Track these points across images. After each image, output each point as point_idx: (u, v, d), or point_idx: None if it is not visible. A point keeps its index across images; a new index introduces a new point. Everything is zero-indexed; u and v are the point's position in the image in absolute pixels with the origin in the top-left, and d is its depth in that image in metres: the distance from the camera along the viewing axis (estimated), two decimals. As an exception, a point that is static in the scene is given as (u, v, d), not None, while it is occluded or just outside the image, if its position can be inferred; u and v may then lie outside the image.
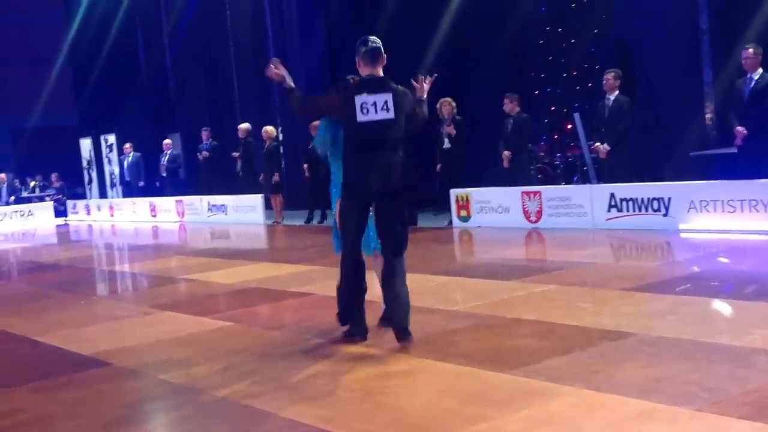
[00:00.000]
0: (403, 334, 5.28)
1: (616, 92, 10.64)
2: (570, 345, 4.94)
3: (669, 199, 9.67)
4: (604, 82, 10.75)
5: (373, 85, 5.24)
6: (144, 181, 20.39)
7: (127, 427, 4.32)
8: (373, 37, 5.42)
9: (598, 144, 10.81)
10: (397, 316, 5.29)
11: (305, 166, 14.32)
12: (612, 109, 10.65)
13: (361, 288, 5.54)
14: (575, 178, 13.60)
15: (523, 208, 11.33)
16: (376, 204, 5.33)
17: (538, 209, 11.15)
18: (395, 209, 5.34)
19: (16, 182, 24.59)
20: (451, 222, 12.35)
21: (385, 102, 5.18)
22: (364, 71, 5.34)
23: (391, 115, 5.20)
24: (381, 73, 5.33)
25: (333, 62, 17.31)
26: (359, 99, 5.17)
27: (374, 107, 5.16)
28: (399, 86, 5.36)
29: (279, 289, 7.98)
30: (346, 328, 5.66)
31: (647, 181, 10.46)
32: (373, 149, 5.20)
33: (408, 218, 5.57)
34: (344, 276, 5.53)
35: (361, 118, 5.15)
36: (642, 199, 9.94)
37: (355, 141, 5.25)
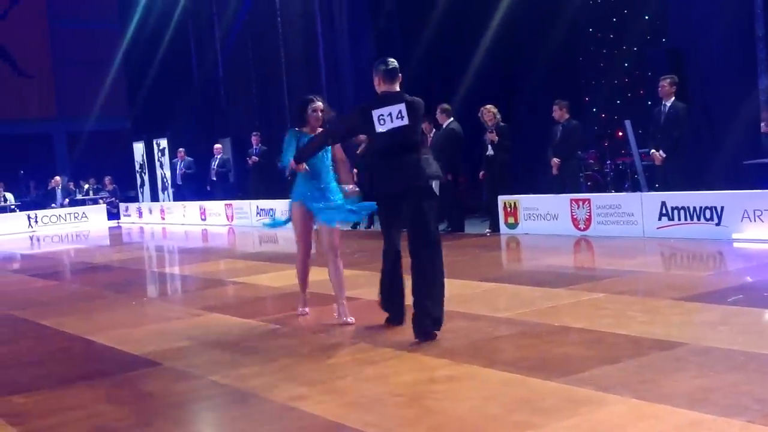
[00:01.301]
0: (429, 334, 5.63)
1: (672, 98, 10.50)
2: (619, 354, 4.89)
3: (722, 208, 9.51)
4: (659, 88, 10.62)
5: (389, 99, 5.77)
6: (183, 170, 20.62)
7: (176, 427, 4.39)
8: (391, 59, 5.90)
9: (653, 151, 10.66)
10: (427, 313, 5.63)
11: (355, 171, 14.37)
12: (668, 116, 10.51)
13: (400, 278, 6.04)
14: (626, 186, 13.44)
15: (572, 216, 11.23)
16: (405, 202, 5.80)
17: (587, 217, 11.05)
18: (421, 204, 5.76)
19: (71, 185, 25.12)
20: (492, 230, 12.29)
21: (399, 111, 5.71)
22: (382, 88, 5.86)
23: (406, 122, 5.71)
24: (397, 89, 5.84)
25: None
26: (376, 113, 5.73)
27: (390, 117, 5.71)
28: (412, 97, 5.86)
29: (326, 293, 8.00)
30: (386, 315, 6.19)
31: (699, 189, 10.29)
32: (393, 154, 5.75)
33: (437, 213, 5.99)
34: (385, 267, 6.06)
35: (379, 129, 5.72)
36: (694, 207, 9.79)
37: (378, 148, 5.85)
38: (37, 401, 4.98)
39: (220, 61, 23.57)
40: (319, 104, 6.55)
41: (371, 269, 9.40)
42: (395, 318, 6.12)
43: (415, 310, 5.65)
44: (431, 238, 5.75)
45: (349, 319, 6.52)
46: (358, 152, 14.47)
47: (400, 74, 5.85)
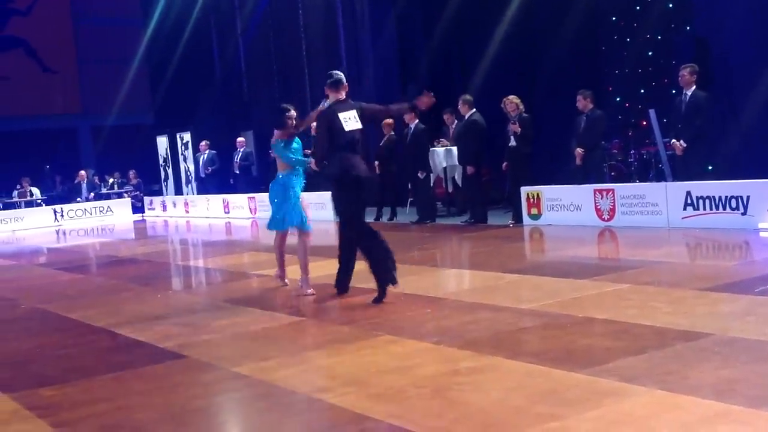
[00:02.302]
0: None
1: (693, 87, 10.40)
2: (644, 345, 4.86)
3: (748, 197, 9.41)
4: (680, 77, 10.52)
5: (344, 106, 7.09)
6: (209, 168, 20.73)
7: (202, 418, 4.43)
8: (336, 71, 7.31)
9: (674, 140, 10.58)
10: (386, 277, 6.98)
11: (376, 163, 14.38)
12: (689, 105, 10.41)
13: (355, 254, 7.33)
14: (650, 176, 13.33)
15: (596, 206, 11.17)
16: (362, 186, 7.04)
17: (611, 207, 10.98)
18: (365, 194, 7.12)
19: (96, 179, 25.33)
20: (514, 221, 12.25)
21: (354, 116, 7.05)
22: (332, 96, 7.16)
23: (359, 126, 7.06)
24: (343, 96, 7.15)
25: (403, 59, 17.35)
26: (341, 115, 6.99)
27: (350, 120, 7.00)
28: (359, 103, 7.24)
29: (355, 285, 8.02)
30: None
31: (725, 178, 10.19)
32: (351, 149, 7.04)
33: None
34: (343, 242, 7.36)
35: (346, 127, 6.96)
36: (719, 197, 9.70)
37: (342, 143, 7.00)
38: (65, 394, 5.04)
39: (241, 53, 23.65)
40: (294, 113, 7.91)
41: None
42: (342, 289, 7.43)
43: (382, 273, 6.98)
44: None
45: (309, 291, 7.68)
46: (381, 144, 14.48)
47: (345, 83, 7.19)
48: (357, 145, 7.08)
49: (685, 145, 10.37)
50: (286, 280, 8.39)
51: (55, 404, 4.83)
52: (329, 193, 16.00)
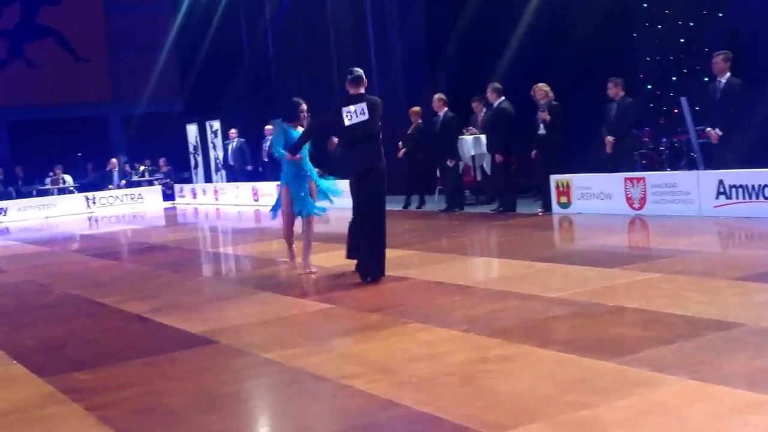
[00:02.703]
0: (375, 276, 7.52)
1: (728, 74, 10.25)
2: (675, 334, 4.83)
3: (781, 185, 9.28)
4: (713, 64, 10.37)
5: (354, 100, 7.46)
6: (251, 165, 20.87)
7: (232, 403, 4.47)
8: (356, 69, 7.61)
9: (709, 129, 10.44)
10: (374, 268, 7.53)
11: (400, 144, 14.36)
12: (724, 92, 10.25)
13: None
14: (681, 164, 13.19)
15: (626, 195, 11.08)
16: (362, 179, 7.48)
17: (642, 196, 10.88)
18: (374, 182, 7.50)
19: (127, 167, 25.56)
20: (543, 209, 12.19)
21: (362, 109, 7.39)
22: (351, 91, 7.54)
23: (367, 117, 7.37)
24: (362, 92, 7.52)
25: (431, 47, 17.27)
26: (345, 110, 7.43)
27: (355, 113, 7.39)
28: (373, 97, 7.59)
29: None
30: (354, 261, 7.76)
31: (758, 167, 10.05)
32: (357, 143, 7.47)
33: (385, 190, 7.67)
34: (352, 229, 7.89)
35: (347, 122, 7.41)
36: (752, 186, 9.57)
37: (346, 138, 7.56)
38: (98, 378, 5.12)
39: (270, 42, 23.67)
40: (305, 106, 8.54)
41: (422, 249, 9.46)
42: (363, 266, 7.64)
43: (365, 260, 7.53)
44: (380, 209, 7.54)
45: (312, 269, 8.31)
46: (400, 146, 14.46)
47: (365, 80, 7.55)
48: (363, 139, 7.44)
49: (720, 133, 10.23)
50: (294, 262, 8.74)
51: (88, 388, 4.91)
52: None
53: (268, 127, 20.20)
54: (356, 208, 7.70)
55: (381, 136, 7.67)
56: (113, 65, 29.54)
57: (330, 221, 15.29)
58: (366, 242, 7.53)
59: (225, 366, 5.17)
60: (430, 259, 8.81)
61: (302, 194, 8.38)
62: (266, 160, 20.07)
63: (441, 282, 7.26)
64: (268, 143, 19.91)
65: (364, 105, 7.39)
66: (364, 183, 7.47)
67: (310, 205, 8.42)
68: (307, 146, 8.30)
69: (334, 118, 7.54)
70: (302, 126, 8.41)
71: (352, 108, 7.40)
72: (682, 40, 14.31)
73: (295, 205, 8.40)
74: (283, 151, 8.21)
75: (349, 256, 7.96)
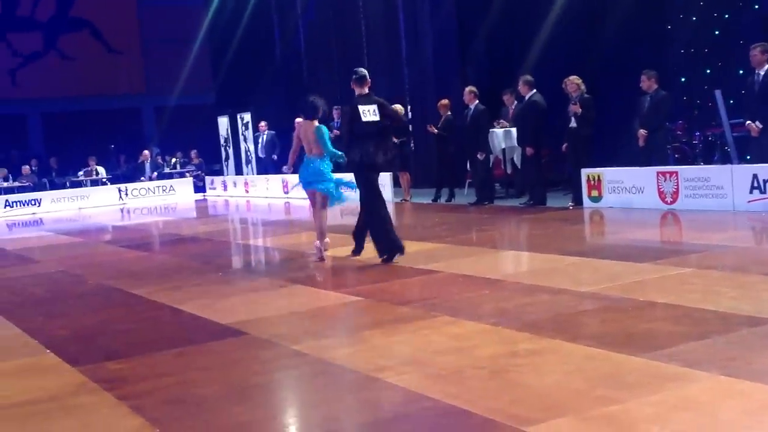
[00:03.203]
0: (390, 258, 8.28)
1: (766, 66, 10.09)
2: (707, 330, 4.78)
3: (818, 180, 9.14)
4: (751, 57, 10.21)
5: (366, 100, 8.36)
6: (277, 156, 20.94)
7: (262, 394, 4.50)
8: (360, 69, 8.57)
9: (749, 122, 10.28)
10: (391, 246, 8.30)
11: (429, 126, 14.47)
12: (763, 85, 10.08)
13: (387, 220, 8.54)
14: (715, 158, 13.03)
15: (658, 189, 10.97)
16: (371, 170, 8.36)
17: (675, 190, 10.78)
18: (378, 173, 8.62)
19: (159, 158, 25.79)
20: (574, 203, 12.10)
21: (374, 110, 8.30)
22: (357, 90, 8.42)
23: (377, 118, 8.29)
24: (366, 91, 8.41)
25: (462, 39, 17.20)
26: (361, 108, 8.26)
27: (369, 112, 8.25)
28: (379, 98, 8.48)
29: (407, 266, 8.07)
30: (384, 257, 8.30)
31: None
32: (369, 138, 8.27)
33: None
34: (372, 217, 8.46)
35: (364, 119, 8.23)
36: (788, 180, 9.44)
37: (361, 133, 8.31)
38: (130, 368, 5.18)
39: (301, 34, 23.73)
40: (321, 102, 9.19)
41: (451, 242, 9.45)
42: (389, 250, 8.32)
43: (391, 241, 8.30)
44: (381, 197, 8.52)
45: (325, 252, 9.00)
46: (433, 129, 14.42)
47: (368, 79, 8.42)
48: (376, 135, 8.31)
49: (761, 126, 10.06)
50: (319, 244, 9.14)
51: (120, 378, 4.97)
52: (388, 174, 16.13)
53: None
54: (369, 196, 8.40)
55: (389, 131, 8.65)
56: (147, 57, 29.82)
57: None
58: (382, 224, 8.36)
59: (254, 357, 5.21)
60: (460, 252, 8.80)
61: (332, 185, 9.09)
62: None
63: (470, 275, 7.25)
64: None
65: (375, 107, 8.31)
66: (375, 170, 8.43)
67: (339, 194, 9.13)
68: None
69: (352, 114, 8.37)
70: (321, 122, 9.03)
71: (366, 108, 8.26)
72: (716, 32, 14.12)
73: (332, 198, 9.10)
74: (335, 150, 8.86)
75: (381, 252, 8.36)
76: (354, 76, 8.43)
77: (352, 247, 8.92)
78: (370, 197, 8.38)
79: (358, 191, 8.67)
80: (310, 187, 9.12)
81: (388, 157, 8.53)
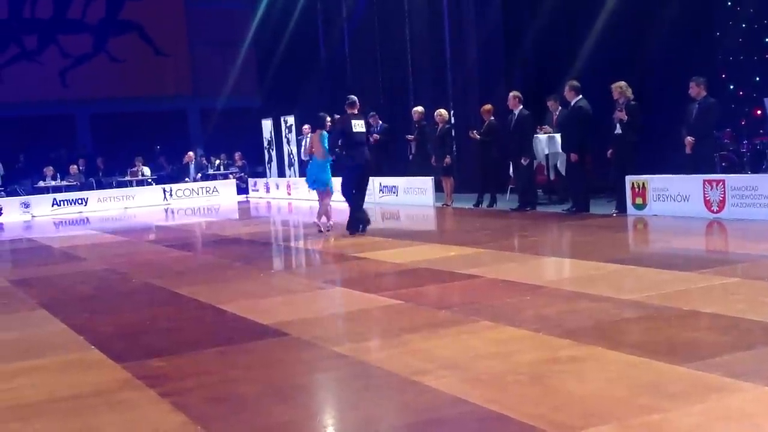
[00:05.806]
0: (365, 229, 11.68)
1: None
2: (753, 340, 4.71)
3: None
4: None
5: (356, 117, 11.57)
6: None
7: (302, 394, 4.54)
8: (351, 96, 11.82)
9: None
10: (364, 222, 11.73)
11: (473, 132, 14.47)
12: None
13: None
14: (763, 167, 12.80)
15: (705, 197, 10.81)
16: (362, 173, 11.65)
17: (721, 198, 10.61)
18: (368, 174, 12.08)
19: (203, 160, 26.08)
20: (618, 210, 11.97)
21: (362, 124, 11.63)
22: (349, 111, 11.55)
23: (364, 130, 11.68)
24: (356, 111, 11.61)
25: (508, 43, 17.12)
26: (353, 122, 11.40)
27: (358, 125, 11.49)
28: (364, 115, 12.25)
29: (447, 270, 8.06)
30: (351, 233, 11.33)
31: None
32: (359, 145, 11.49)
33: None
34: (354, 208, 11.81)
35: (355, 129, 11.40)
36: (839, 190, 9.23)
37: (353, 141, 11.44)
38: (172, 365, 5.25)
39: (346, 39, 23.82)
40: (329, 118, 12.55)
41: (493, 248, 9.41)
42: (356, 228, 11.65)
43: (359, 220, 11.68)
44: (365, 187, 12.05)
45: (328, 233, 12.05)
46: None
47: (358, 104, 11.70)
48: (363, 143, 11.64)
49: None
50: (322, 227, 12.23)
51: (163, 375, 5.04)
52: (430, 178, 16.15)
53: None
54: (353, 190, 11.66)
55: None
56: (194, 59, 30.18)
57: (400, 217, 15.36)
58: (360, 211, 11.68)
59: (295, 358, 5.25)
60: (501, 257, 8.77)
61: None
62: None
63: (511, 281, 7.22)
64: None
65: (363, 122, 11.76)
66: (366, 169, 11.72)
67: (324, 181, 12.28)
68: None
69: (344, 126, 11.49)
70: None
71: (356, 122, 11.47)
72: (766, 40, 13.88)
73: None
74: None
75: (351, 227, 11.71)
76: (347, 102, 11.64)
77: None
78: (350, 189, 11.67)
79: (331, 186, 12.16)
80: (314, 187, 12.40)
81: (370, 159, 11.93)
